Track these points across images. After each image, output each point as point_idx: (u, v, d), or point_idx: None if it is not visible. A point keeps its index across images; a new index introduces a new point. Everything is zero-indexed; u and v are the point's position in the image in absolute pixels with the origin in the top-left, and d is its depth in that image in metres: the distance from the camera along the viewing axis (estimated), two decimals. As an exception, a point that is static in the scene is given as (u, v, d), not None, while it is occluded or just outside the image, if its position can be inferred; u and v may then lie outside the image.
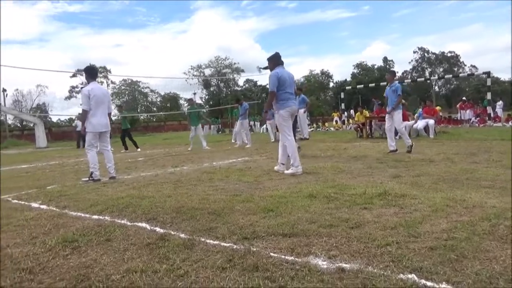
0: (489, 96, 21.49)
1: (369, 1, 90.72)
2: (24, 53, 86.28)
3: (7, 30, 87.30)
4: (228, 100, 52.84)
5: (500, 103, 24.61)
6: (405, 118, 10.91)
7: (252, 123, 32.52)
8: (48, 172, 7.73)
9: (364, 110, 18.46)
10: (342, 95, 29.22)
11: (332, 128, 24.08)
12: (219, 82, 65.57)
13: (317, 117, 39.74)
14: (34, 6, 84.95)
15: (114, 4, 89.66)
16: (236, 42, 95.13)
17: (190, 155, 10.02)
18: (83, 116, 5.96)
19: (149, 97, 72.16)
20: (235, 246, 2.45)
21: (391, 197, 3.56)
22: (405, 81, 37.51)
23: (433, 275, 1.89)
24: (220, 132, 29.29)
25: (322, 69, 71.55)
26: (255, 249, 2.37)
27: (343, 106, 27.61)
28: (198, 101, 41.66)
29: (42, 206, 4.07)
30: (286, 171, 5.51)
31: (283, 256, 2.24)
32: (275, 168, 5.78)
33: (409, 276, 1.90)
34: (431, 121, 12.22)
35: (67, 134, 26.81)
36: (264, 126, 20.07)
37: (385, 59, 72.68)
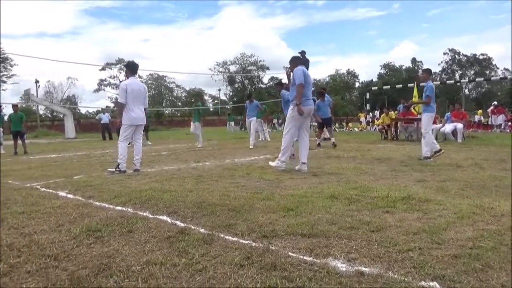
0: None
1: (400, 0, 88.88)
2: (56, 46, 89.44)
3: (40, 23, 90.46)
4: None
5: (534, 108, 23.66)
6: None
7: (275, 120, 32.59)
8: (75, 162, 7.98)
9: (389, 112, 18.07)
10: (368, 96, 28.79)
11: (356, 129, 23.75)
12: (243, 79, 65.85)
13: (341, 117, 39.26)
14: (69, 1, 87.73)
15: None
16: (262, 39, 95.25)
17: (212, 151, 10.11)
18: (119, 108, 6.22)
19: (174, 92, 73.28)
20: (253, 244, 2.46)
21: (415, 201, 3.48)
22: (434, 82, 36.53)
23: (456, 284, 1.83)
24: (242, 129, 29.36)
25: (348, 69, 70.82)
26: (273, 248, 2.37)
27: (368, 106, 27.19)
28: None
29: (68, 195, 4.20)
30: (270, 163, 5.93)
31: (301, 256, 2.23)
32: (296, 167, 5.76)
33: (431, 283, 1.85)
34: (460, 125, 11.85)
35: (94, 126, 27.54)
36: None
37: (413, 60, 71.13)
